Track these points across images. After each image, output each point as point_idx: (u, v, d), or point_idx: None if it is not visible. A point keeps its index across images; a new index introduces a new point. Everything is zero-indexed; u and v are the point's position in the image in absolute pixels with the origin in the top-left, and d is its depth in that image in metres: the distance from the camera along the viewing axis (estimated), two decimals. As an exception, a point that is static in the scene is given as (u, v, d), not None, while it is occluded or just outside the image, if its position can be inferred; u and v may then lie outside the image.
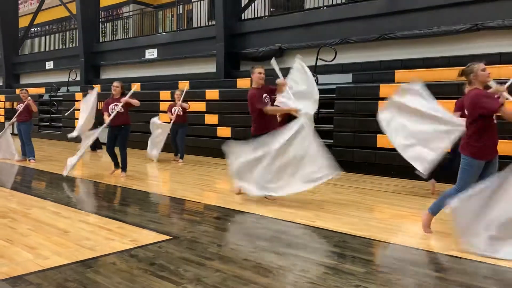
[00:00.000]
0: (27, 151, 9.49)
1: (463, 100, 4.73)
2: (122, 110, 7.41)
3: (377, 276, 3.21)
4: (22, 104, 9.38)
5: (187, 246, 3.86)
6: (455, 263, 3.57)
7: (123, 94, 7.62)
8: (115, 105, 7.47)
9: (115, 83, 7.67)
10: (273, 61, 6.02)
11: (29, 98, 9.44)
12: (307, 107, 6.05)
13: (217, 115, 10.94)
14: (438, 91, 7.73)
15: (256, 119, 5.83)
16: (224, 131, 10.72)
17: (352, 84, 9.17)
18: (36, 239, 3.99)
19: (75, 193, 6.76)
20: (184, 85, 11.32)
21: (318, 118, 8.93)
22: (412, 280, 3.14)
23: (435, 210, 4.28)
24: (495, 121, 4.02)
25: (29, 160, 9.40)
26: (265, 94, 5.83)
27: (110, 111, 7.44)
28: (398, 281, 3.12)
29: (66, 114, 13.69)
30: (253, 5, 12.56)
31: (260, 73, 5.83)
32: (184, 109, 9.64)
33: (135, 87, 7.94)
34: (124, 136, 7.62)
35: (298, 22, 10.98)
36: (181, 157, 9.77)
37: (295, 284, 3.03)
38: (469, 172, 4.04)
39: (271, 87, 5.92)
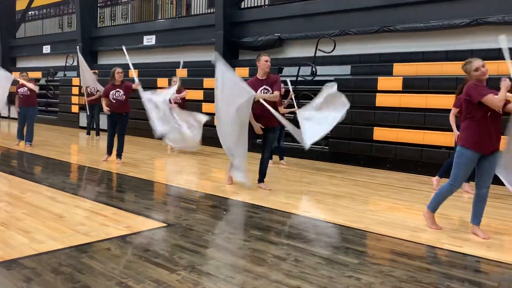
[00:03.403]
0: (27, 135, 9.43)
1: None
2: (124, 98, 7.44)
3: (370, 268, 3.24)
4: (25, 88, 9.27)
5: (182, 233, 3.88)
6: (447, 256, 3.61)
7: (122, 81, 7.61)
8: (116, 91, 7.44)
9: (120, 69, 7.62)
10: None
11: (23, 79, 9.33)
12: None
13: (214, 104, 10.89)
14: (437, 85, 7.76)
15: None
16: (221, 120, 10.69)
17: (351, 76, 9.16)
18: (31, 224, 3.99)
19: (70, 178, 6.75)
20: (179, 73, 11.24)
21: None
22: (404, 272, 3.18)
23: (432, 207, 4.32)
24: (490, 114, 3.92)
25: (26, 144, 9.36)
26: (265, 86, 5.74)
27: (111, 98, 7.43)
28: (391, 273, 3.15)
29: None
30: (253, -7, 12.47)
31: (266, 60, 5.73)
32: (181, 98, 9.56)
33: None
34: (124, 123, 7.62)
35: (298, 12, 10.91)
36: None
37: (288, 274, 3.05)
38: (460, 163, 4.08)
39: (275, 78, 5.81)
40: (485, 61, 4.12)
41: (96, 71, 13.37)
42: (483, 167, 4.05)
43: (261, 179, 5.99)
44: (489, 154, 4.01)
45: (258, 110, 5.70)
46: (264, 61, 5.72)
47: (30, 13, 21.98)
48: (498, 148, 4.04)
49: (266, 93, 5.74)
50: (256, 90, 5.65)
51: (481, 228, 4.14)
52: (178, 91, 9.50)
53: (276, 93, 5.74)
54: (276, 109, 5.95)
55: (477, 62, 4.01)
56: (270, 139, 5.91)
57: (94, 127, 12.06)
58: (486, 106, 3.91)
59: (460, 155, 4.09)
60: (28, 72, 10.07)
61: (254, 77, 5.85)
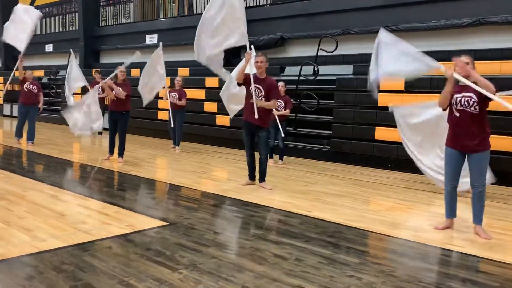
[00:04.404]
0: (29, 134, 9.46)
1: None
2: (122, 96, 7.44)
3: (371, 267, 3.24)
4: (34, 86, 9.52)
5: (184, 232, 3.88)
6: (449, 256, 3.60)
7: (123, 80, 7.63)
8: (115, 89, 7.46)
9: (123, 68, 7.67)
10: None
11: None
12: None
13: (216, 103, 10.91)
14: (439, 85, 7.73)
15: None
16: (223, 119, 10.71)
17: (353, 76, 9.14)
18: (33, 222, 4.00)
19: (72, 176, 6.76)
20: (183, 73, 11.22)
21: (317, 109, 8.94)
22: (405, 272, 3.17)
23: (445, 212, 4.34)
24: (455, 114, 4.09)
25: (28, 143, 9.38)
26: (257, 85, 5.72)
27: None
28: (392, 273, 3.15)
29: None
30: (255, -7, 12.44)
31: (257, 61, 5.78)
32: (179, 98, 9.53)
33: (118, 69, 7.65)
34: (124, 122, 7.62)
35: (300, 12, 10.90)
36: (177, 144, 9.72)
37: (290, 273, 3.05)
38: (445, 160, 4.27)
39: (272, 84, 5.83)
40: (488, 61, 4.16)
41: (99, 69, 13.39)
42: (469, 166, 4.15)
43: (262, 178, 5.99)
44: (469, 152, 4.07)
45: (251, 109, 5.77)
46: (255, 62, 5.80)
47: (32, 11, 21.98)
48: (479, 148, 4.03)
49: (259, 93, 5.78)
50: (249, 85, 5.76)
51: (483, 228, 4.14)
52: (178, 91, 9.52)
53: (272, 102, 5.79)
54: (269, 111, 5.99)
55: (456, 59, 4.13)
56: (263, 138, 5.91)
57: None
58: (450, 105, 4.14)
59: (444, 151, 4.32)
60: (32, 71, 10.19)
61: (254, 74, 5.87)
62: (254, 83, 5.74)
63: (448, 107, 4.20)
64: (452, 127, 4.17)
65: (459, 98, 4.07)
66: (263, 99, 5.76)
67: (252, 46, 7.48)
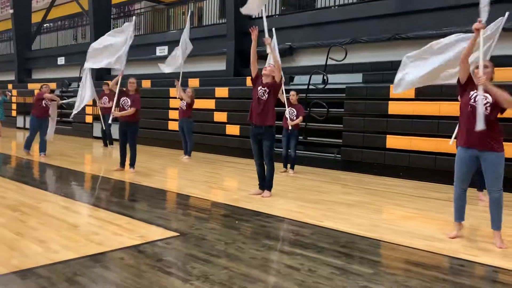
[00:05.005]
0: (41, 145, 9.59)
1: None
2: (129, 107, 7.52)
3: (385, 278, 3.20)
4: (50, 102, 9.70)
5: (195, 243, 3.88)
6: (463, 266, 3.55)
7: (136, 91, 7.73)
8: (124, 99, 7.55)
9: (133, 79, 7.79)
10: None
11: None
12: None
13: (226, 112, 10.97)
14: (450, 92, 7.68)
15: None
16: (232, 129, 10.74)
17: (362, 84, 9.13)
18: (46, 233, 4.03)
19: (84, 188, 6.81)
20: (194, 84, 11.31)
21: (327, 118, 8.92)
22: (419, 282, 3.13)
23: (454, 215, 4.31)
24: (469, 109, 4.02)
25: (40, 154, 9.49)
26: (264, 87, 5.83)
27: (120, 105, 7.56)
28: (405, 283, 3.10)
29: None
30: (264, 3, 12.51)
31: (265, 68, 6.02)
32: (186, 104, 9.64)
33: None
34: (133, 132, 7.67)
35: (308, 21, 10.94)
36: (188, 153, 9.75)
37: (302, 284, 3.03)
38: (456, 162, 4.20)
39: (274, 84, 5.93)
40: (499, 67, 4.14)
41: (108, 82, 13.53)
42: (484, 171, 4.08)
43: (267, 187, 6.00)
44: (482, 149, 3.98)
45: (254, 106, 5.91)
46: (263, 69, 6.06)
47: (45, 25, 22.41)
48: (492, 145, 3.96)
49: (263, 93, 5.86)
50: (257, 86, 5.91)
51: (500, 235, 4.07)
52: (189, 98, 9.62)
53: (278, 64, 5.95)
54: (271, 110, 5.99)
55: (480, 63, 4.09)
56: (265, 147, 5.92)
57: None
58: (464, 95, 4.10)
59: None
60: (50, 88, 10.36)
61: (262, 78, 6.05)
62: (260, 84, 5.92)
63: (464, 98, 4.13)
64: (465, 122, 4.08)
65: (474, 95, 4.03)
66: (267, 95, 5.84)
67: (273, 30, 7.98)
